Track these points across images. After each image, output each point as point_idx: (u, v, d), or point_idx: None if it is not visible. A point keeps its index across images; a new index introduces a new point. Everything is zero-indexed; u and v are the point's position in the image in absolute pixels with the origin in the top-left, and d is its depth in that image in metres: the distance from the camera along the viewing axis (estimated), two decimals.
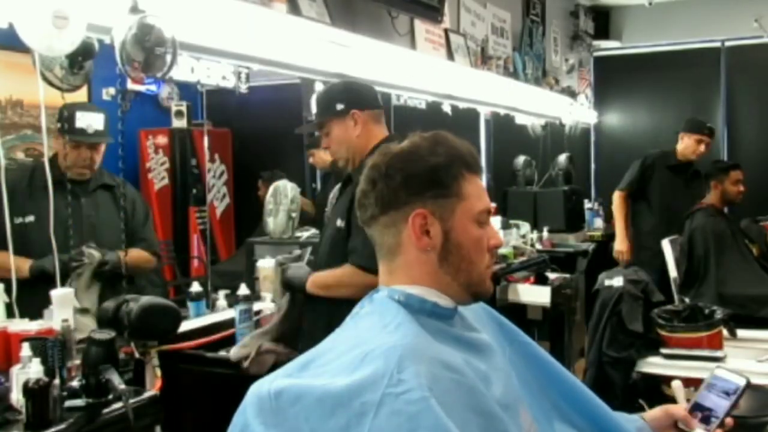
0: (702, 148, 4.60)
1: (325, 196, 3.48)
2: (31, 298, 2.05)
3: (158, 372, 2.10)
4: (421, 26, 4.07)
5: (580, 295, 4.34)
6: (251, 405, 1.05)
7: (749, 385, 1.30)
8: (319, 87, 3.23)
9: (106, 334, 1.82)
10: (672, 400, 1.45)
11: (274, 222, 3.01)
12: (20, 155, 2.79)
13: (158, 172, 4.18)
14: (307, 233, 2.99)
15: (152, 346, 2.14)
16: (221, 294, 2.77)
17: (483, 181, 1.25)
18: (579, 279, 4.39)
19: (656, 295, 3.10)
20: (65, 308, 1.93)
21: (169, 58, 2.12)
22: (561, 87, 6.12)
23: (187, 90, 3.91)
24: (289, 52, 2.89)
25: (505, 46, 5.37)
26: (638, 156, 4.78)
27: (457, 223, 1.17)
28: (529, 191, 5.32)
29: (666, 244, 4.08)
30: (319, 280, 2.19)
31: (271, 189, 3.07)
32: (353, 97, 2.23)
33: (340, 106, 2.20)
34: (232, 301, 2.55)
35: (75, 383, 1.76)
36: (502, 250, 3.78)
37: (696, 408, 1.33)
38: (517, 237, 4.40)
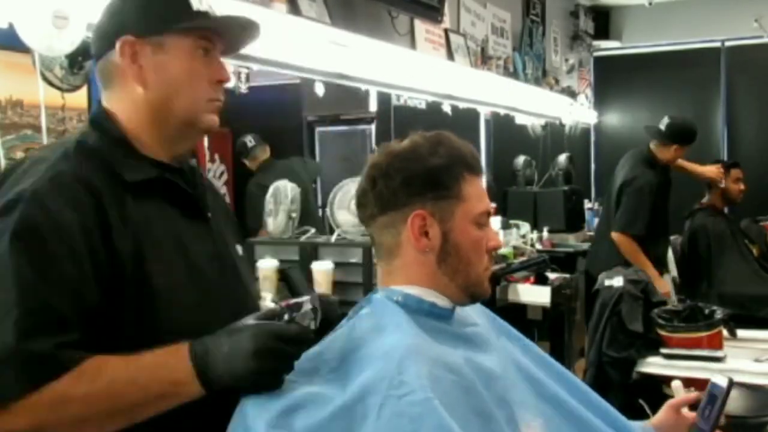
0: (680, 155, 4.23)
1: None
2: None
3: None
4: (421, 26, 4.07)
5: (580, 295, 4.33)
6: (251, 409, 1.05)
7: (732, 384, 1.31)
8: (319, 87, 3.23)
9: None
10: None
11: (273, 222, 3.00)
12: (20, 155, 2.79)
13: None
14: (307, 234, 2.98)
15: None
16: None
17: (484, 182, 1.24)
18: (579, 279, 4.39)
19: (656, 295, 3.10)
20: None
21: None
22: (561, 87, 6.11)
23: None
24: (289, 52, 2.89)
25: (505, 46, 5.37)
26: None
27: (456, 225, 1.17)
28: (529, 191, 5.32)
29: None
30: None
31: (271, 189, 3.07)
32: None
33: None
34: None
35: None
36: (502, 250, 3.78)
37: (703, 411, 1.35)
38: (517, 237, 4.39)
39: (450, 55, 4.30)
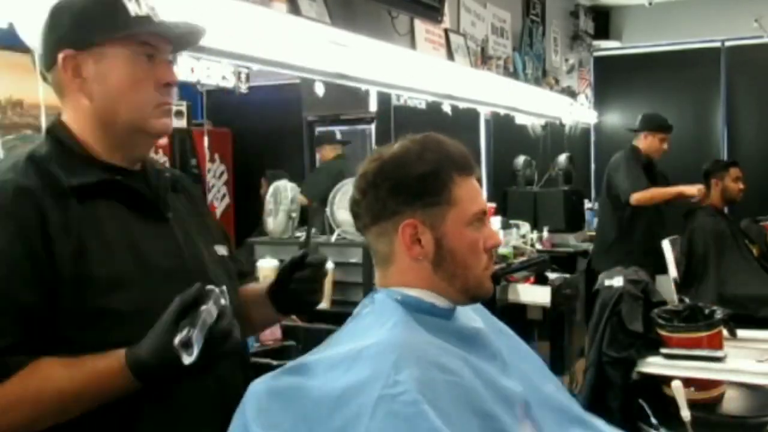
0: (665, 146, 4.47)
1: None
2: None
3: None
4: (421, 26, 4.06)
5: (580, 295, 4.33)
6: (250, 405, 1.06)
7: None
8: (319, 87, 3.23)
9: None
10: (672, 400, 1.45)
11: (273, 222, 3.00)
12: None
13: None
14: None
15: None
16: None
17: (484, 178, 1.23)
18: (579, 279, 4.39)
19: (656, 295, 3.10)
20: None
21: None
22: (561, 87, 6.11)
23: (187, 90, 3.90)
24: (289, 52, 2.89)
25: (505, 46, 5.36)
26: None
27: (448, 230, 1.15)
28: (529, 191, 5.32)
29: (666, 244, 4.08)
30: None
31: (270, 189, 3.07)
32: None
33: None
34: None
35: None
36: (501, 250, 3.78)
37: None
38: (517, 237, 4.39)
39: (450, 55, 4.30)
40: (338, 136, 4.22)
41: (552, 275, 3.88)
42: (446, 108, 4.25)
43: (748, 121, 6.80)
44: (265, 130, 4.20)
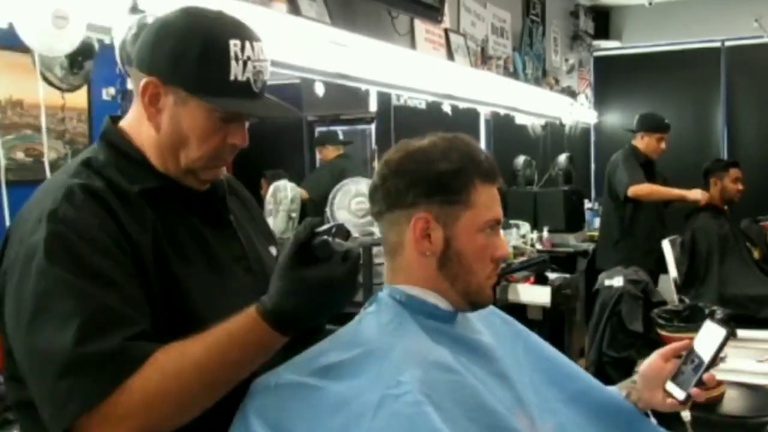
0: (663, 146, 4.49)
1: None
2: None
3: None
4: (421, 26, 4.07)
5: (580, 295, 4.33)
6: (252, 404, 1.06)
7: (731, 335, 1.29)
8: (319, 87, 3.23)
9: None
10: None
11: (273, 222, 3.01)
12: (20, 155, 2.79)
13: None
14: None
15: None
16: None
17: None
18: (579, 279, 4.39)
19: (656, 295, 3.11)
20: None
21: None
22: (561, 87, 6.11)
23: None
24: (289, 52, 2.89)
25: (505, 46, 5.37)
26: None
27: (460, 231, 1.15)
28: (529, 191, 5.32)
29: (666, 244, 4.08)
30: None
31: (270, 189, 3.07)
32: None
33: None
34: None
35: None
36: None
37: (687, 359, 1.32)
38: (517, 237, 4.40)
39: (450, 55, 4.30)
40: (340, 137, 4.22)
41: (552, 275, 3.88)
42: (446, 108, 4.25)
43: (748, 121, 6.80)
44: (265, 129, 4.19)
